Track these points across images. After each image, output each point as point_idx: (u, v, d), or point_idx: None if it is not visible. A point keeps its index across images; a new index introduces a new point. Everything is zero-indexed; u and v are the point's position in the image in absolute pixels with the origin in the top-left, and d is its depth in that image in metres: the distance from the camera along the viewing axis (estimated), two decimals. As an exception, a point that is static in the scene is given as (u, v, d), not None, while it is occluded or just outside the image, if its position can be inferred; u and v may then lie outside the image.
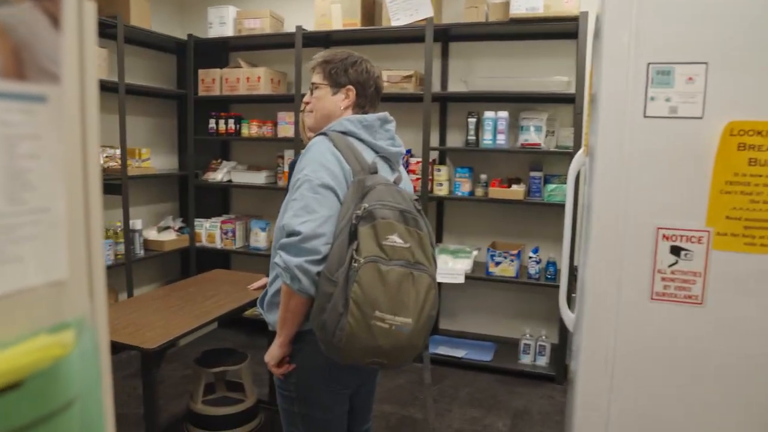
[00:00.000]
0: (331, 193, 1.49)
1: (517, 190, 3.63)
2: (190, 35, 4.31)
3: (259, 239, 4.32)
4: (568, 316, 2.22)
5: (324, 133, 1.61)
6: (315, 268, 1.45)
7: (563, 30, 3.58)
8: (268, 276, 2.89)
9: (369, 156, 1.62)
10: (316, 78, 1.73)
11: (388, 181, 1.53)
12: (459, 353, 3.84)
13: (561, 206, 3.65)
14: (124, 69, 3.77)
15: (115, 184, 3.82)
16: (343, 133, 1.61)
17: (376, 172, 1.56)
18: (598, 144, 1.52)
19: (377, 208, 1.43)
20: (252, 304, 2.67)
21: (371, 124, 1.65)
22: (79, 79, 0.54)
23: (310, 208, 1.46)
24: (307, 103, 1.78)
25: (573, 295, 2.67)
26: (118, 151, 3.85)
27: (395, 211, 1.45)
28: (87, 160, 0.55)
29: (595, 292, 1.60)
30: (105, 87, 3.85)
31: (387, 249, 1.41)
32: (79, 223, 0.55)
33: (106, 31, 3.85)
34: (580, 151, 2.14)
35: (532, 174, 3.74)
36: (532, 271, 3.62)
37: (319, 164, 1.51)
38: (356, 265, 1.39)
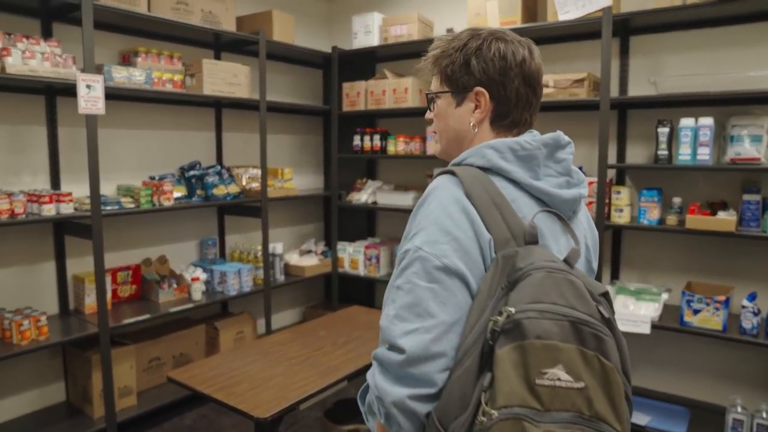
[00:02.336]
0: (459, 283, 0.92)
1: (727, 220, 2.81)
2: (334, 47, 4.05)
3: (404, 267, 3.91)
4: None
5: (450, 171, 1.03)
6: (424, 408, 0.90)
7: (795, 8, 2.74)
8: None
9: (527, 208, 1.00)
10: (434, 83, 1.17)
11: (554, 261, 0.90)
12: (642, 419, 3.08)
13: (791, 241, 2.78)
14: (265, 86, 3.58)
15: (255, 207, 3.65)
16: (484, 168, 1.02)
17: (535, 241, 0.95)
18: None
19: (531, 317, 0.83)
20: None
21: (532, 153, 1.02)
22: None
23: (423, 308, 0.91)
24: (432, 121, 1.21)
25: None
26: (260, 171, 3.67)
27: (563, 323, 0.83)
28: None
29: None
30: (248, 105, 3.71)
31: (543, 393, 0.81)
32: None
33: (248, 48, 3.71)
34: None
35: (746, 198, 2.89)
36: (746, 324, 2.78)
37: (440, 228, 0.95)
38: (484, 420, 0.81)
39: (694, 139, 2.89)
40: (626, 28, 3.26)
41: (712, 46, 3.07)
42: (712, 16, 2.96)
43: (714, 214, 2.96)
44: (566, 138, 1.09)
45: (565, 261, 0.93)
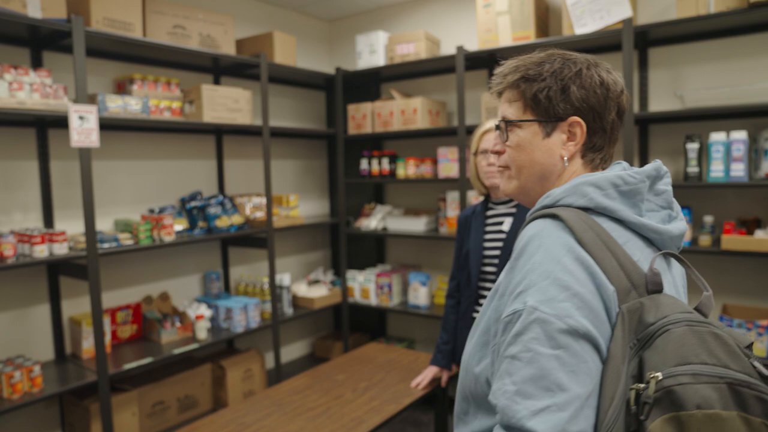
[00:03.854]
0: (588, 346, 0.78)
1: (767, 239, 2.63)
2: (338, 68, 3.90)
3: (419, 295, 3.72)
4: None
5: (553, 215, 0.88)
6: None
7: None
8: (440, 378, 2.26)
9: (639, 251, 0.88)
10: (512, 109, 1.01)
11: (691, 312, 0.78)
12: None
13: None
14: (268, 110, 3.42)
15: (260, 237, 3.46)
16: (585, 209, 0.90)
17: (659, 289, 0.82)
18: None
19: (684, 383, 0.69)
20: (418, 404, 2.05)
21: (636, 188, 0.91)
22: None
23: (551, 381, 0.75)
24: (498, 153, 1.05)
25: None
26: (265, 200, 3.49)
27: (720, 387, 0.69)
28: None
29: None
30: (250, 131, 3.54)
31: None
32: None
33: (249, 71, 3.55)
34: None
35: (784, 214, 2.72)
36: (794, 350, 2.59)
37: (555, 283, 0.80)
38: None
39: (726, 155, 2.73)
40: (645, 39, 3.10)
41: (737, 56, 2.92)
42: (737, 24, 2.81)
43: (750, 232, 2.79)
44: (664, 167, 0.98)
45: (697, 309, 0.81)
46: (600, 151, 0.99)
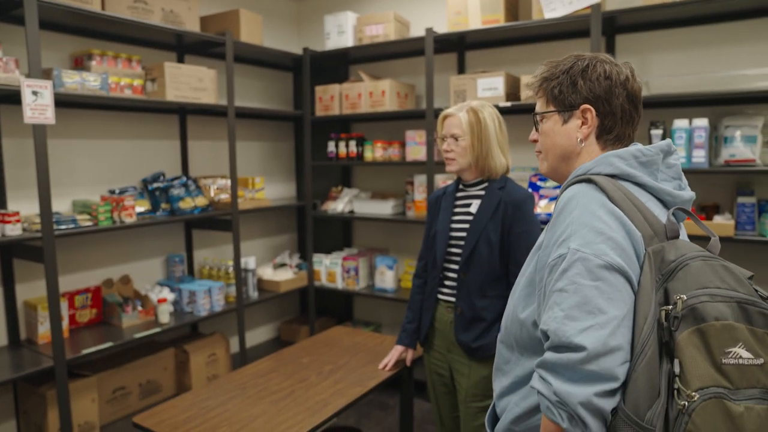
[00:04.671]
0: (622, 279, 0.96)
1: (725, 224, 2.69)
2: (305, 49, 3.83)
3: (386, 279, 3.71)
4: None
5: (587, 179, 1.09)
6: (610, 404, 0.91)
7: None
8: (405, 358, 2.27)
9: (657, 209, 1.09)
10: (539, 105, 1.26)
11: (703, 251, 0.97)
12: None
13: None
14: (233, 90, 3.34)
15: (225, 220, 3.40)
16: (612, 176, 1.10)
17: (676, 236, 1.02)
18: None
19: (705, 302, 0.89)
20: (384, 387, 2.04)
21: (652, 159, 1.11)
22: None
23: (593, 306, 0.94)
24: (534, 141, 1.30)
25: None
26: (230, 182, 3.42)
27: (731, 304, 0.89)
28: None
29: None
30: (214, 111, 3.46)
31: (730, 371, 0.86)
32: None
33: (214, 50, 3.46)
34: None
35: (741, 200, 2.78)
36: (748, 332, 2.67)
37: (594, 230, 0.99)
38: (685, 404, 0.85)
39: (688, 141, 2.77)
40: (612, 26, 3.13)
41: (701, 45, 2.96)
42: (701, 13, 2.85)
43: (709, 218, 2.85)
44: (674, 145, 1.18)
45: (707, 251, 0.99)
46: (611, 132, 1.16)
